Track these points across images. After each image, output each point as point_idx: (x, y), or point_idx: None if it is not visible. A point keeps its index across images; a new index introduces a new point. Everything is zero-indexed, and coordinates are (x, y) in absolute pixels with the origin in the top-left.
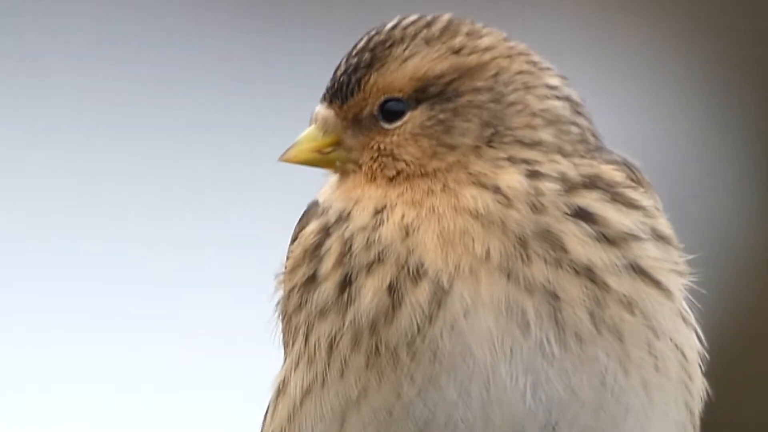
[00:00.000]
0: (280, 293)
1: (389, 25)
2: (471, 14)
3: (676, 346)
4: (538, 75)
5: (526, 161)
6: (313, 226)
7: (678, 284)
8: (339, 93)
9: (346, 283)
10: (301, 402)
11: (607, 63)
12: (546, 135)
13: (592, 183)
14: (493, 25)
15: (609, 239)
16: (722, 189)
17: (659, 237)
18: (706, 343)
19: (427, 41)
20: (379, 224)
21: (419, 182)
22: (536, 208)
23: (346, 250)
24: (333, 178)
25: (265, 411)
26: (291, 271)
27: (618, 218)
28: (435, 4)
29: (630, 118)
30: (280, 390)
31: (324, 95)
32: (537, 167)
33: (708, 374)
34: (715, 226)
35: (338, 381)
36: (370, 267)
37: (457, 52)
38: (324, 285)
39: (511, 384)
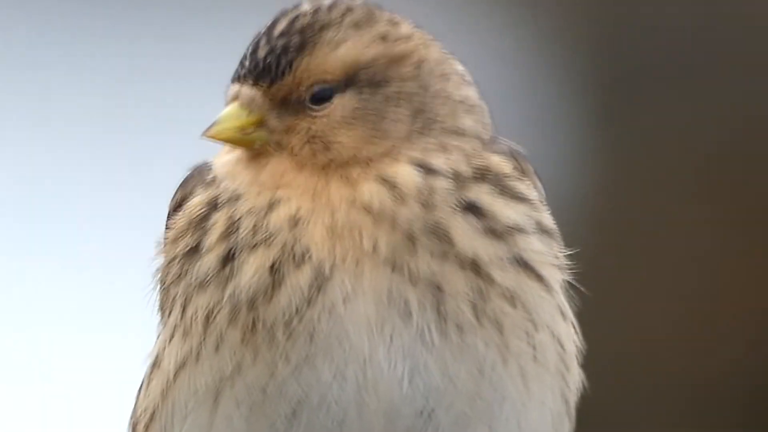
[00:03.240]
0: (160, 261)
1: (310, 8)
2: None
3: (555, 337)
4: (450, 62)
5: (448, 149)
6: (200, 198)
7: (558, 278)
8: (266, 73)
9: (228, 258)
10: (175, 376)
11: (444, 6)
12: (468, 122)
13: (483, 176)
14: None
15: (496, 233)
16: (554, 128)
17: (543, 231)
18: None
19: (355, 26)
20: (269, 212)
21: (333, 172)
22: (427, 205)
23: (232, 229)
24: (238, 152)
25: (138, 387)
26: (173, 241)
27: (505, 211)
28: None
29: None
30: (154, 364)
31: (244, 74)
32: (436, 161)
33: None
34: (547, 167)
35: (213, 355)
36: (254, 246)
37: (383, 38)
38: (206, 257)
39: (388, 369)
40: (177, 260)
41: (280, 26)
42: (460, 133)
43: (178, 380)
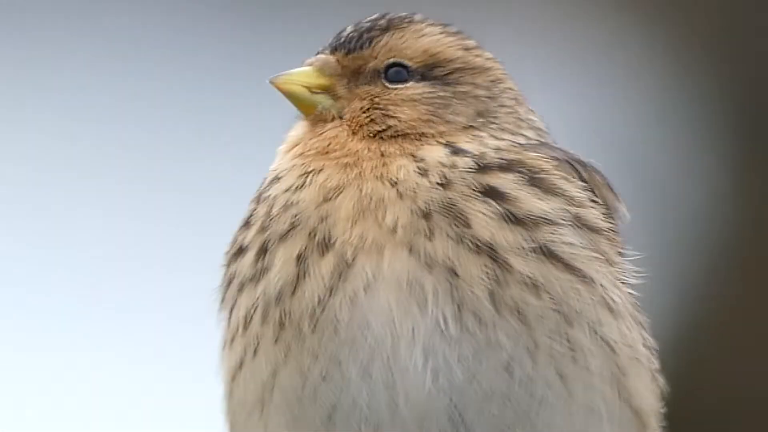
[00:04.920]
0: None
1: (406, 13)
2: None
3: (600, 338)
4: (523, 99)
5: (486, 140)
6: (252, 196)
7: (604, 273)
8: (345, 45)
9: (261, 252)
10: (230, 390)
11: (574, 50)
12: (529, 133)
13: (510, 166)
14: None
15: (516, 219)
16: (692, 174)
17: (583, 225)
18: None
19: (444, 30)
20: (302, 186)
21: (376, 145)
22: (446, 181)
23: (267, 215)
24: (298, 129)
25: None
26: (231, 245)
27: (531, 200)
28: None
29: (602, 106)
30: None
31: (324, 47)
32: (466, 145)
33: (677, 365)
34: (685, 211)
35: (252, 361)
36: (284, 235)
37: (465, 48)
38: (247, 255)
39: (411, 365)
40: (228, 265)
41: (371, 17)
42: (511, 133)
43: (233, 393)
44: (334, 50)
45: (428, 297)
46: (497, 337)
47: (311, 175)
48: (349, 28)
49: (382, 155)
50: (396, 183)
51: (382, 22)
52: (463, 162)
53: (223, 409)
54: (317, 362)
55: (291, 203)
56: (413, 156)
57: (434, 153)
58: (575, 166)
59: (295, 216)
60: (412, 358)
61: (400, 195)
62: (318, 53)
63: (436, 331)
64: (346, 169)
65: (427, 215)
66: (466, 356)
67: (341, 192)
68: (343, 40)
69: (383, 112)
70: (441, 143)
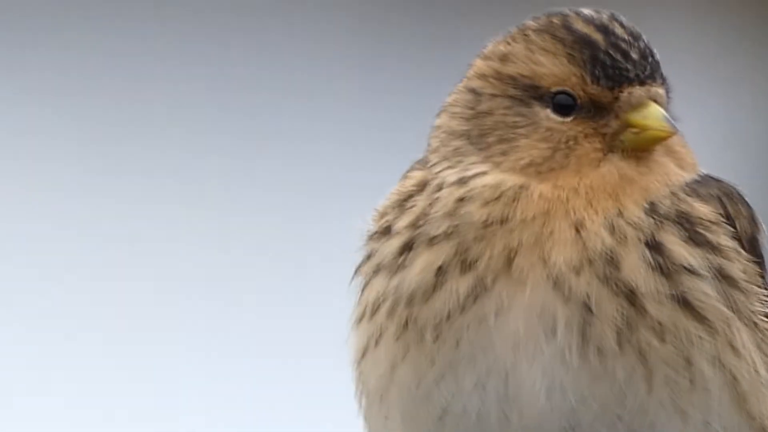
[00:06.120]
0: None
1: (613, 14)
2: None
3: (722, 366)
4: None
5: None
6: (416, 175)
7: (732, 323)
8: (659, 77)
9: (405, 248)
10: (358, 373)
11: (703, 47)
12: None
13: (679, 220)
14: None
15: (663, 269)
16: None
17: (724, 277)
18: None
19: None
20: (473, 198)
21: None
22: (624, 238)
23: (425, 213)
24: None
25: None
26: (380, 216)
27: (682, 253)
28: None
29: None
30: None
31: (645, 76)
32: (663, 205)
33: None
34: None
35: (374, 350)
36: (433, 239)
37: None
38: (392, 241)
39: (528, 385)
40: (374, 237)
41: (620, 29)
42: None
43: (360, 375)
44: (654, 81)
45: (558, 327)
46: (614, 369)
47: (511, 199)
48: (635, 50)
49: (608, 197)
50: (581, 228)
51: (644, 44)
52: (648, 223)
53: (354, 385)
54: (433, 368)
55: (455, 213)
56: (620, 207)
57: (634, 213)
58: (723, 202)
59: (454, 226)
60: (530, 378)
61: (576, 241)
62: (639, 80)
63: (557, 357)
64: (555, 206)
65: (591, 261)
66: (580, 382)
67: (523, 223)
68: (652, 68)
69: (680, 157)
70: (645, 201)
